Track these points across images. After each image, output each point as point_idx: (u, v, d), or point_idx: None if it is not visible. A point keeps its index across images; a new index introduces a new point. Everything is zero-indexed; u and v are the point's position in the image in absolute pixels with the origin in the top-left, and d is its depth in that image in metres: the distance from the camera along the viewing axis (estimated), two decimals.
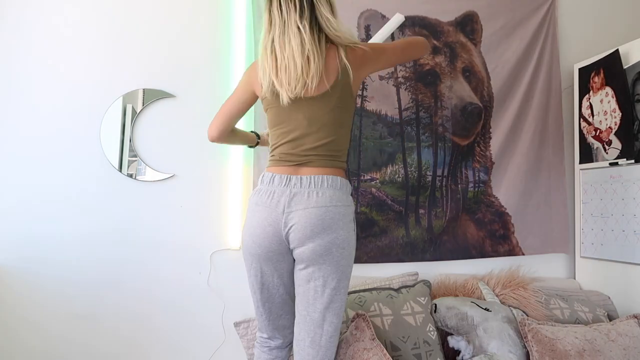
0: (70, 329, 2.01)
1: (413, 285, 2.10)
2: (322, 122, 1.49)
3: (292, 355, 1.57)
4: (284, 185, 1.47)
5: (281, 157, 1.52)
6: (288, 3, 1.45)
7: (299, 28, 1.43)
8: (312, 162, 1.49)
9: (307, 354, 1.48)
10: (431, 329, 1.94)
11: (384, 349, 1.69)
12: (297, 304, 1.51)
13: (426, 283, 2.13)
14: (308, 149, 1.49)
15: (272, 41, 1.46)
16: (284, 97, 1.45)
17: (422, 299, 2.02)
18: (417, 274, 2.24)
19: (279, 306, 1.57)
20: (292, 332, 1.58)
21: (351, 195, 1.56)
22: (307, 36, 1.43)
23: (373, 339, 1.72)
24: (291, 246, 1.47)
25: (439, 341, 1.95)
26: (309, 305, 1.47)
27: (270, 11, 1.47)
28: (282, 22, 1.44)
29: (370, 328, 1.75)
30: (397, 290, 2.07)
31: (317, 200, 1.44)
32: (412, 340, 1.87)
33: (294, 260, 1.51)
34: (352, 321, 1.80)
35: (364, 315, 1.79)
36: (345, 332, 1.78)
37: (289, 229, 1.45)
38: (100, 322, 2.04)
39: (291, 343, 1.62)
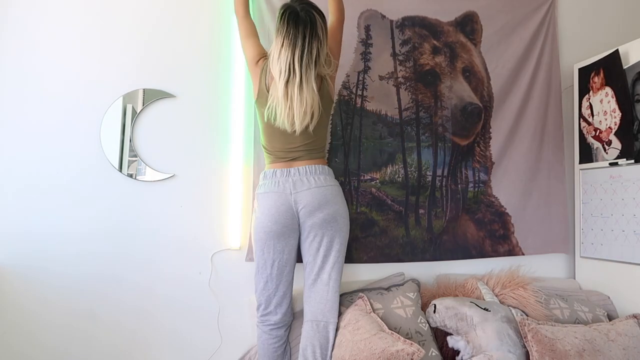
0: (70, 328, 2.02)
1: (402, 284, 2.15)
2: (309, 130, 1.84)
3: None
4: (285, 175, 1.84)
5: (277, 156, 1.88)
6: (309, 57, 1.76)
7: (314, 85, 1.78)
8: (302, 156, 1.87)
9: (317, 308, 1.86)
10: (422, 320, 1.98)
11: (378, 318, 1.86)
12: (308, 273, 1.88)
13: (414, 281, 2.18)
14: (298, 147, 1.86)
15: (289, 87, 1.77)
16: (286, 128, 1.81)
17: (412, 294, 2.08)
18: (403, 274, 2.27)
19: (286, 284, 1.89)
20: (289, 311, 1.92)
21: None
22: (316, 91, 1.79)
23: (369, 312, 1.89)
24: (302, 219, 1.83)
25: (432, 332, 1.98)
26: (319, 269, 1.86)
27: (291, 59, 1.75)
28: (301, 75, 1.75)
29: (368, 305, 1.92)
30: (387, 289, 2.11)
31: (316, 182, 1.84)
32: (404, 331, 1.91)
33: (300, 237, 1.87)
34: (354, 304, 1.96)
35: (363, 296, 1.97)
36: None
37: (299, 205, 1.82)
38: (100, 322, 2.05)
39: (287, 323, 1.93)
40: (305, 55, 1.75)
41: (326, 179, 1.87)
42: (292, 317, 1.97)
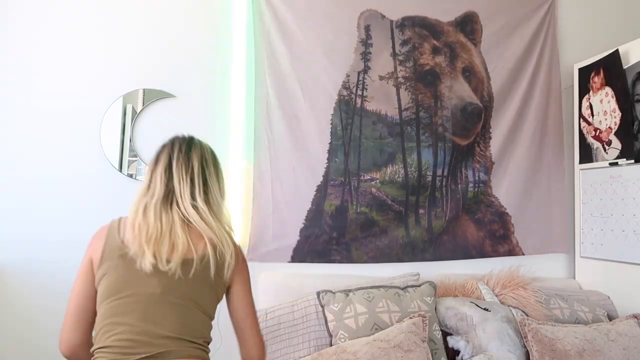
0: None
1: (419, 285, 2.07)
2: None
3: None
4: None
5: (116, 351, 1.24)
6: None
7: None
8: (171, 352, 1.23)
9: None
10: (436, 328, 1.93)
11: (429, 353, 1.76)
12: None
13: (432, 284, 2.09)
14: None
15: None
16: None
17: (429, 298, 2.00)
18: (418, 274, 2.20)
19: None
20: None
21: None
22: None
23: (423, 340, 1.77)
24: None
25: (443, 340, 1.95)
26: None
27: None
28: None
29: (426, 330, 1.80)
30: (404, 289, 2.04)
31: None
32: None
33: None
34: (410, 318, 1.85)
35: (425, 316, 1.83)
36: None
37: None
38: None
39: None
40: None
41: None
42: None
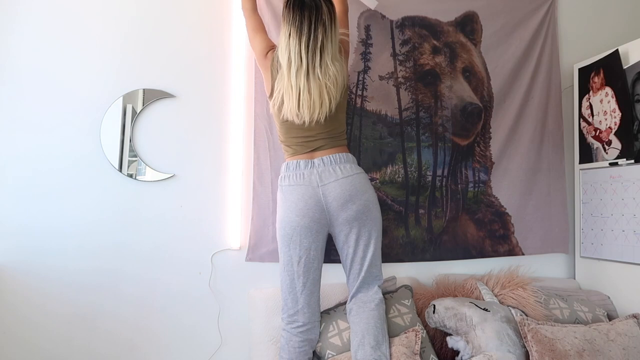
0: (69, 328, 2.02)
1: (395, 291, 2.10)
2: (329, 117, 1.78)
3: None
4: (310, 167, 1.79)
5: (296, 150, 1.83)
6: (315, 44, 1.71)
7: (320, 73, 1.72)
8: (323, 145, 1.81)
9: (370, 289, 1.84)
10: (420, 327, 1.95)
11: None
12: (351, 266, 1.83)
13: (407, 287, 2.12)
14: (317, 136, 1.81)
15: (297, 77, 1.72)
16: (294, 120, 1.76)
17: (406, 301, 2.04)
18: (395, 278, 2.17)
19: (313, 282, 1.82)
20: (317, 312, 1.85)
21: None
22: (324, 79, 1.73)
23: (415, 353, 1.79)
24: (333, 213, 1.77)
25: (429, 339, 1.98)
26: (361, 260, 1.82)
27: (298, 47, 1.70)
28: (307, 63, 1.71)
29: (418, 343, 1.83)
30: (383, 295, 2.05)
31: (343, 172, 1.78)
32: None
33: (332, 233, 1.83)
34: (404, 333, 1.89)
35: (418, 330, 1.88)
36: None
37: (329, 198, 1.76)
38: (99, 321, 2.05)
39: (315, 325, 1.83)
40: (311, 42, 1.70)
41: (352, 167, 1.82)
42: (320, 320, 1.88)
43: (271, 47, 1.88)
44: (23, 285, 1.99)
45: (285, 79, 1.73)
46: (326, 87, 1.73)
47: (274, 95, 1.78)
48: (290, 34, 1.72)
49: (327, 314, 1.96)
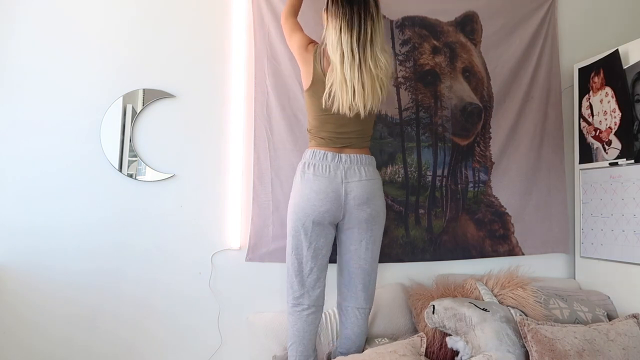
0: (69, 329, 2.02)
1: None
2: (361, 117, 1.84)
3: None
4: (337, 161, 1.84)
5: (327, 143, 1.87)
6: (365, 37, 1.77)
7: (372, 65, 1.78)
8: (353, 144, 1.88)
9: (360, 296, 1.91)
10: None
11: None
12: (347, 262, 1.91)
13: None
14: (350, 134, 1.87)
15: (352, 71, 1.76)
16: (347, 112, 1.80)
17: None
18: None
19: (320, 267, 1.87)
20: (322, 295, 1.90)
21: None
22: (375, 72, 1.79)
23: (420, 355, 1.81)
24: (349, 210, 1.83)
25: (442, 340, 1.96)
26: (361, 259, 1.89)
27: (351, 41, 1.75)
28: (359, 57, 1.76)
29: (423, 347, 1.85)
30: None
31: (366, 174, 1.86)
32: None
33: (340, 227, 1.89)
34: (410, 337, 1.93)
35: (423, 336, 1.90)
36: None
37: (350, 196, 1.82)
38: (99, 322, 2.05)
39: (320, 308, 1.90)
40: (362, 36, 1.76)
41: (374, 171, 1.91)
42: (324, 304, 1.94)
43: (311, 41, 1.93)
44: (23, 285, 2.00)
45: (339, 72, 1.77)
46: (378, 78, 1.79)
47: (327, 89, 1.80)
48: (341, 29, 1.76)
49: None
